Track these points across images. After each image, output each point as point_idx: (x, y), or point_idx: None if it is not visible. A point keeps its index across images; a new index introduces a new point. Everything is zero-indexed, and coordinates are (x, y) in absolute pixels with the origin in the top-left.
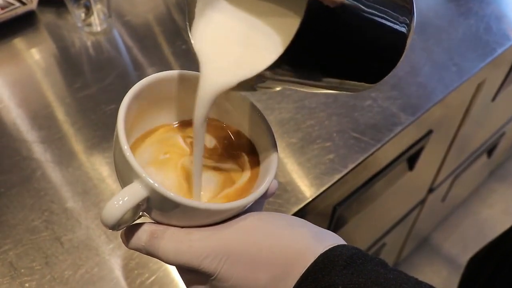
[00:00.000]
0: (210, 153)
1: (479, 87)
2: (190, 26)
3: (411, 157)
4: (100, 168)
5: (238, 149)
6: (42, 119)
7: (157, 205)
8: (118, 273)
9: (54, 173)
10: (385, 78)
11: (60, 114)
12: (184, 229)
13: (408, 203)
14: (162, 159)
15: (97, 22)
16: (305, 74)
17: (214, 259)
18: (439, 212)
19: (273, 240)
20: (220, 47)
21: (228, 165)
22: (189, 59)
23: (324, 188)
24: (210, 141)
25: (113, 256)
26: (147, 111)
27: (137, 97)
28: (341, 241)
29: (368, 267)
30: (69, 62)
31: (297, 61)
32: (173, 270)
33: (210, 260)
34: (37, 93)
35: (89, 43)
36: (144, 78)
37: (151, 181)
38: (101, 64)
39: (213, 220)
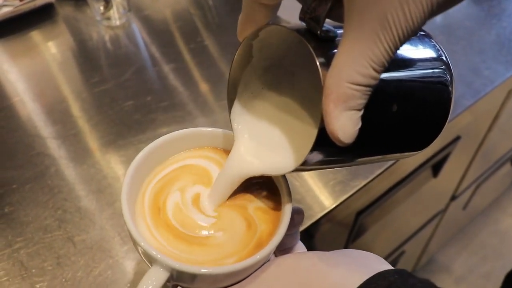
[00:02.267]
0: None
1: (509, 93)
2: (231, 103)
3: (436, 164)
4: (116, 166)
5: (262, 188)
6: (57, 114)
7: (181, 279)
8: (132, 277)
9: (68, 170)
10: None
11: (76, 109)
12: None
13: (430, 210)
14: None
15: (116, 16)
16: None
17: None
18: (460, 220)
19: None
20: (252, 137)
21: (253, 206)
22: (206, 56)
23: (348, 195)
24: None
25: (127, 259)
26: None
27: (133, 176)
28: (377, 265)
29: None
30: (86, 56)
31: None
32: None
33: None
34: (53, 87)
35: (107, 37)
36: (138, 155)
37: (170, 262)
38: (119, 59)
39: (236, 279)
